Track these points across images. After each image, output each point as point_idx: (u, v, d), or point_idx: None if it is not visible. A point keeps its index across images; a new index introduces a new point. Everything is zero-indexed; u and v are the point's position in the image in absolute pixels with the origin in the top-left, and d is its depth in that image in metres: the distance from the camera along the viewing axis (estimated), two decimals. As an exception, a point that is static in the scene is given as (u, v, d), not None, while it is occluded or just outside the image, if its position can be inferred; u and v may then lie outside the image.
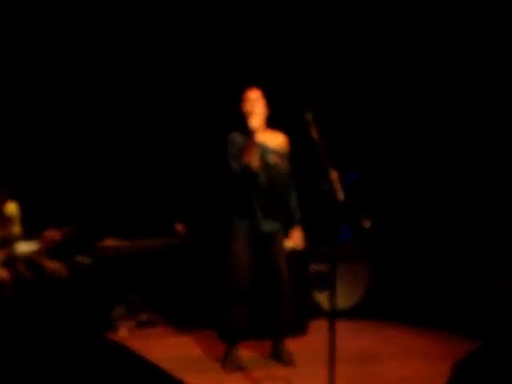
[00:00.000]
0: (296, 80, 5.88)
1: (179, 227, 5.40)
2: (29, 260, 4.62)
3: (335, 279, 2.95)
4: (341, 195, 2.82)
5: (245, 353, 4.22)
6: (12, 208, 4.67)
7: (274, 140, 4.11)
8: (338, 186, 2.86)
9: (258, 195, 3.96)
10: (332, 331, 2.85)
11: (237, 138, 4.03)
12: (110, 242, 5.01)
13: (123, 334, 4.95)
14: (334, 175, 2.90)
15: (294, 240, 4.16)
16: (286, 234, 4.13)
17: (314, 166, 3.20)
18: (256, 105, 3.98)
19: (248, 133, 3.95)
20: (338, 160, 3.11)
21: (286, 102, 4.39)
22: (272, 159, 4.01)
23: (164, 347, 4.54)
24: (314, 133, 3.10)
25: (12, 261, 4.49)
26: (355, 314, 5.36)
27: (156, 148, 6.10)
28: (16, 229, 4.67)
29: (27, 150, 5.60)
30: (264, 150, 3.98)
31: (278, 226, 4.05)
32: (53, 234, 4.52)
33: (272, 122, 4.09)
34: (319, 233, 5.28)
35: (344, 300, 5.29)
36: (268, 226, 3.98)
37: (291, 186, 4.17)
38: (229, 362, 3.99)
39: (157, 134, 6.08)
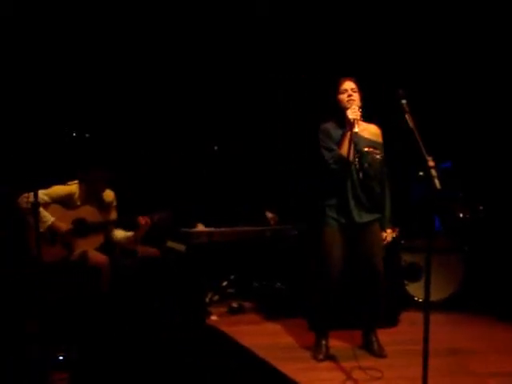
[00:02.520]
0: (389, 68, 5.79)
1: (271, 216, 5.42)
2: (124, 246, 4.78)
3: (430, 270, 2.86)
4: (438, 184, 2.74)
5: (335, 343, 4.20)
6: (110, 194, 4.83)
7: (369, 130, 4.05)
8: (435, 174, 2.78)
9: (352, 186, 3.92)
10: (426, 323, 2.78)
11: (330, 128, 4.00)
12: (201, 229, 5.09)
13: (214, 319, 5.04)
14: (431, 163, 2.82)
15: (387, 231, 4.09)
16: (381, 225, 4.06)
17: (409, 154, 3.13)
18: (354, 95, 3.93)
19: (340, 123, 3.92)
20: (431, 149, 3.03)
21: (380, 91, 4.31)
22: (366, 150, 3.96)
23: (254, 334, 4.60)
24: (410, 120, 3.03)
25: (110, 246, 4.66)
26: (447, 306, 5.24)
27: (247, 137, 6.18)
28: (113, 215, 4.83)
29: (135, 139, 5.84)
30: (358, 141, 3.92)
31: (372, 216, 3.98)
32: (146, 220, 4.64)
33: (365, 111, 4.02)
34: (413, 223, 5.18)
35: (436, 292, 5.17)
36: (361, 216, 3.93)
37: (385, 177, 4.10)
38: (319, 352, 3.98)
39: (249, 124, 6.16)
